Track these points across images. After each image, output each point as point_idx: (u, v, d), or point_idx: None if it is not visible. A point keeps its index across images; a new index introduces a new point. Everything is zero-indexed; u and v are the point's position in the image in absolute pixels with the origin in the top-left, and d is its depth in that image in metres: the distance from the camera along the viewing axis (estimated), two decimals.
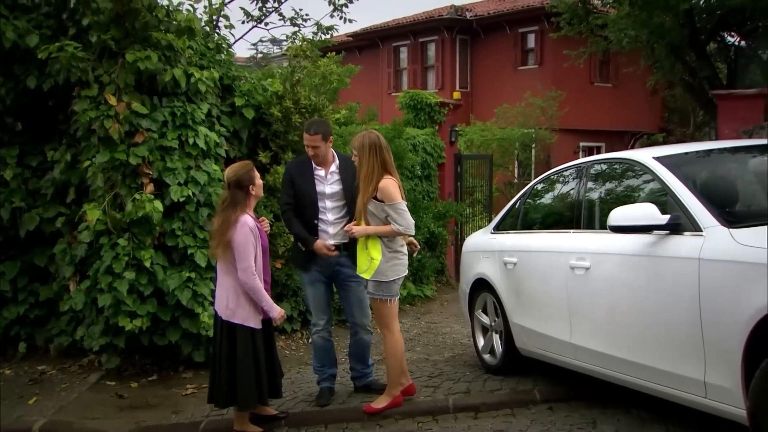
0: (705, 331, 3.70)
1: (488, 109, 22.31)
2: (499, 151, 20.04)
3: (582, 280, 4.68)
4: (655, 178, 4.36)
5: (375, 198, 4.97)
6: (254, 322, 4.86)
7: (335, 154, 5.60)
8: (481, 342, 6.27)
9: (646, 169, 4.49)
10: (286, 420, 5.34)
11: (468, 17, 24.66)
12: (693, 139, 20.73)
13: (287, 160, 7.42)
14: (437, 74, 25.10)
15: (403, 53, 26.21)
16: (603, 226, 4.76)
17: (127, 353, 6.55)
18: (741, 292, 3.48)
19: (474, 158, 13.76)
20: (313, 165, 5.48)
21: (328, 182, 5.48)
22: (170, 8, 6.30)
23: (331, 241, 5.39)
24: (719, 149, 4.89)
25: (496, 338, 6.02)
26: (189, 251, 6.35)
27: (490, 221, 13.29)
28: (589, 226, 4.92)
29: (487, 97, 23.73)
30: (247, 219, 4.77)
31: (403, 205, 5.00)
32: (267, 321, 4.99)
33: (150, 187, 6.25)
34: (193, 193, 6.35)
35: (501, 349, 5.91)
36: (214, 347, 5.02)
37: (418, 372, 6.16)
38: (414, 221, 5.13)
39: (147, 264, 6.14)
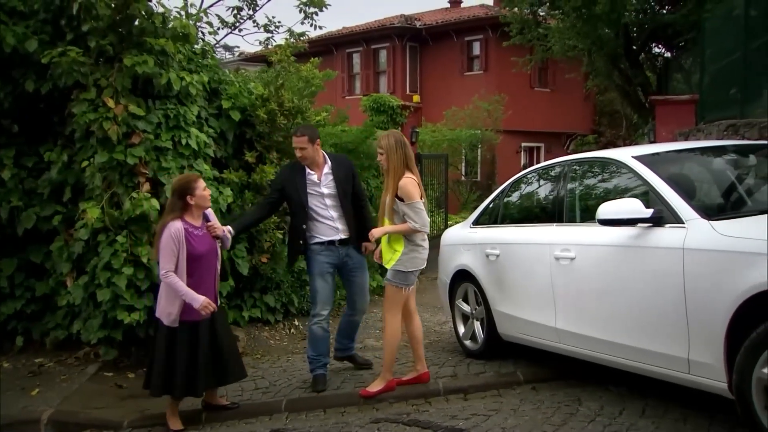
0: (689, 313, 3.85)
1: (437, 112, 22.54)
2: (448, 151, 20.27)
3: (567, 270, 4.80)
4: (636, 175, 4.50)
5: (396, 196, 5.03)
6: (167, 321, 4.89)
7: (326, 156, 5.67)
8: (461, 329, 6.35)
9: (626, 168, 4.63)
10: (285, 405, 5.38)
11: (417, 26, 24.87)
12: (626, 140, 21.27)
13: (272, 159, 7.41)
14: (389, 79, 25.22)
15: (356, 59, 26.26)
16: (584, 219, 4.94)
17: (122, 345, 6.45)
18: (724, 278, 3.64)
19: (431, 157, 13.92)
20: (306, 170, 5.54)
21: (323, 183, 5.55)
22: (166, 15, 6.20)
23: (342, 236, 5.54)
24: (689, 149, 5.06)
25: (477, 325, 6.11)
26: None
27: (446, 217, 13.53)
28: (571, 220, 5.05)
29: (436, 101, 23.96)
30: (173, 224, 4.78)
31: (420, 204, 5.03)
32: (197, 323, 4.90)
33: (146, 186, 6.17)
34: None
35: (482, 336, 6.00)
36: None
37: (402, 358, 6.18)
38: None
39: (144, 260, 6.04)
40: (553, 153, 24.85)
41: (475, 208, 6.81)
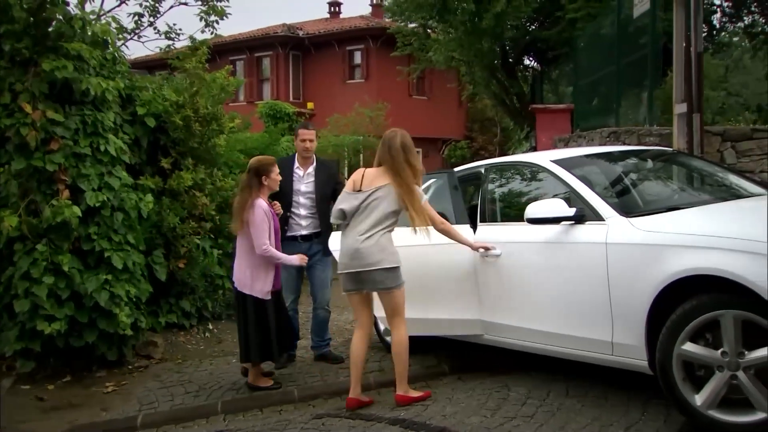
0: (613, 301, 4.20)
1: (321, 119, 22.60)
2: (333, 157, 20.41)
3: (493, 267, 5.05)
4: (555, 177, 4.81)
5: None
6: (263, 294, 5.35)
7: (315, 158, 6.00)
8: (382, 326, 6.47)
9: (546, 171, 4.95)
10: (221, 407, 5.36)
11: (300, 35, 24.89)
12: (501, 145, 22.26)
13: (188, 165, 7.29)
14: (272, 86, 25.09)
15: (240, 66, 25.91)
16: (506, 219, 5.22)
17: (39, 357, 6.14)
18: (644, 268, 4.00)
19: None
20: (295, 164, 5.84)
21: (303, 181, 5.86)
22: (86, 19, 5.98)
23: (304, 232, 5.84)
24: (600, 154, 5.45)
25: None
26: (105, 254, 6.07)
27: None
28: (493, 220, 5.32)
29: (320, 108, 24.05)
30: (261, 202, 5.23)
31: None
32: (276, 292, 5.48)
33: (66, 193, 5.92)
34: (108, 198, 6.09)
35: None
36: (237, 314, 5.61)
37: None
38: None
39: (65, 268, 5.81)
40: (431, 157, 25.61)
41: None
